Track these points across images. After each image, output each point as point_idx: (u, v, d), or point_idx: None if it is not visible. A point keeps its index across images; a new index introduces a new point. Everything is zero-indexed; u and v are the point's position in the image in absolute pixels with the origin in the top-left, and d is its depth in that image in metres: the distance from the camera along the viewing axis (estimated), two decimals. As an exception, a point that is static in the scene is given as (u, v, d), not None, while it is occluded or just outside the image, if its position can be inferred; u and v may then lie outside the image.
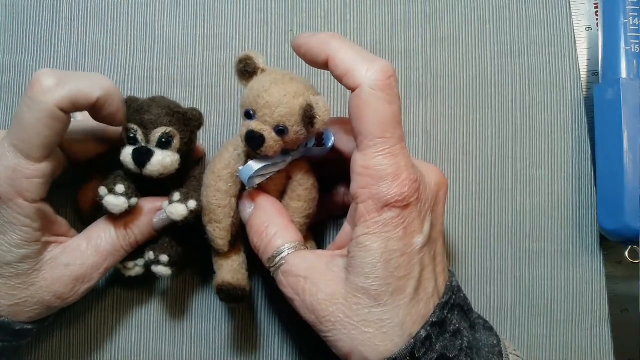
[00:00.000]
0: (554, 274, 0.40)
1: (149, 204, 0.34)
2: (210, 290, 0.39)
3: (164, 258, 0.34)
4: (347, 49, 0.29)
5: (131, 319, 0.39)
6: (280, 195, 0.34)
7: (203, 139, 0.40)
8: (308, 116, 0.30)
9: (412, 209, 0.28)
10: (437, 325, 0.29)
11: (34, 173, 0.30)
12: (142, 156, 0.32)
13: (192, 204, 0.32)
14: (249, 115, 0.31)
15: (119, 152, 0.33)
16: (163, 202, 0.33)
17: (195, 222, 0.33)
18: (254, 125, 0.30)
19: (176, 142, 0.32)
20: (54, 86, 0.29)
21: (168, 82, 0.40)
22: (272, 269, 0.31)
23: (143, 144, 0.32)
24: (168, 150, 0.32)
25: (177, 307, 0.39)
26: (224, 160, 0.33)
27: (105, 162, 0.36)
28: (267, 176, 0.32)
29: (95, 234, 0.33)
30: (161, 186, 0.34)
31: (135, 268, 0.36)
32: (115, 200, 0.32)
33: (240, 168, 0.32)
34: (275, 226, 0.32)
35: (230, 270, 0.34)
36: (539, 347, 0.39)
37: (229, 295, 0.33)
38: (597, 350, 0.39)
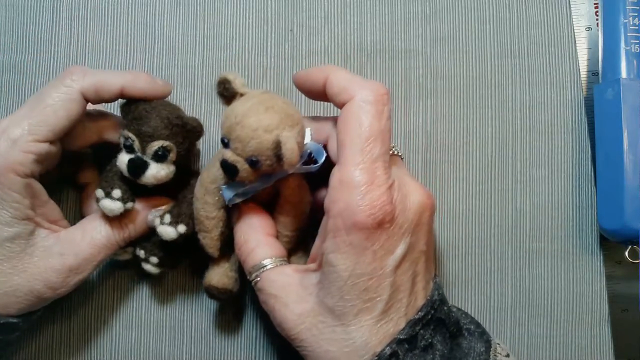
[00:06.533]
0: (554, 274, 0.40)
1: (144, 203, 0.35)
2: (210, 290, 0.39)
3: (154, 259, 0.35)
4: (345, 72, 0.31)
5: (131, 319, 0.39)
6: (272, 202, 0.34)
7: (203, 139, 0.40)
8: (276, 155, 0.29)
9: (382, 232, 0.28)
10: (406, 342, 0.28)
11: (31, 148, 0.31)
12: (137, 168, 0.32)
13: (182, 228, 0.33)
14: (224, 142, 0.30)
15: (111, 148, 0.33)
16: (155, 220, 0.34)
17: (185, 241, 0.33)
18: (228, 155, 0.30)
19: (172, 156, 0.32)
20: (82, 75, 0.32)
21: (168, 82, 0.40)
22: (252, 283, 0.32)
23: (139, 154, 0.32)
24: (163, 163, 0.32)
25: (177, 307, 0.39)
26: (212, 175, 0.33)
27: (98, 153, 0.37)
28: (249, 195, 0.32)
29: (90, 227, 0.34)
30: (158, 186, 0.34)
31: (124, 255, 0.36)
32: (111, 204, 0.32)
33: (222, 187, 0.32)
34: (254, 240, 0.32)
35: (217, 273, 0.35)
36: (539, 347, 0.39)
37: (214, 296, 0.35)
38: (597, 350, 0.39)
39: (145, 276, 0.39)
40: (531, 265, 0.40)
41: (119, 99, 0.33)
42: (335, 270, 0.28)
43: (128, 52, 0.41)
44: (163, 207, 0.35)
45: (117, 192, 0.32)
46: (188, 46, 0.41)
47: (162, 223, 0.33)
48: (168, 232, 0.33)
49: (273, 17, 0.41)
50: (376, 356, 0.28)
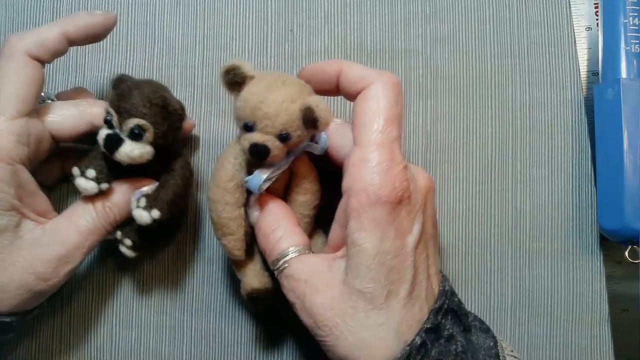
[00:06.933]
0: (554, 274, 0.40)
1: (126, 184, 0.34)
2: (210, 290, 0.39)
3: (128, 242, 0.34)
4: (358, 64, 0.32)
5: (131, 319, 0.39)
6: (285, 191, 0.34)
7: (203, 139, 0.40)
8: (310, 119, 0.30)
9: (402, 208, 0.29)
10: (432, 332, 0.28)
11: (8, 129, 0.30)
12: (111, 143, 0.32)
13: (156, 213, 0.32)
14: (247, 127, 0.30)
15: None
16: (132, 202, 0.33)
17: (158, 225, 0.33)
18: (257, 137, 0.30)
19: (148, 136, 0.32)
20: (19, 38, 0.32)
21: (168, 82, 0.40)
22: (276, 272, 0.32)
23: (117, 130, 0.32)
24: (139, 142, 0.32)
25: (177, 307, 0.39)
26: (227, 172, 0.32)
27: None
28: (274, 179, 0.32)
29: (75, 214, 0.33)
30: (143, 167, 0.33)
31: (109, 236, 0.36)
32: (85, 183, 0.32)
33: (247, 179, 0.32)
34: (281, 229, 0.32)
35: (254, 276, 0.34)
36: (539, 347, 0.39)
37: (260, 300, 0.34)
38: (597, 350, 0.39)
39: (146, 275, 0.39)
40: (531, 265, 0.40)
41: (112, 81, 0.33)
42: (362, 249, 0.28)
43: (128, 52, 0.41)
44: (144, 189, 0.34)
45: (91, 172, 0.32)
46: (188, 46, 0.41)
47: (137, 207, 0.33)
48: (142, 216, 0.32)
49: (273, 17, 0.41)
50: (407, 345, 0.28)
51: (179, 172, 0.34)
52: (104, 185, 0.33)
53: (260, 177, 0.31)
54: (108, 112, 0.32)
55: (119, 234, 0.35)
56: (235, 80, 0.31)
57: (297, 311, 0.30)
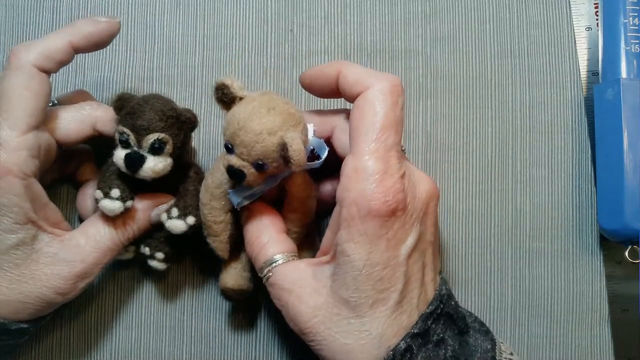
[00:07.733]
0: (554, 274, 0.40)
1: (145, 200, 0.34)
2: (210, 290, 0.39)
3: (160, 255, 0.35)
4: (358, 65, 0.31)
5: (131, 319, 0.39)
6: (278, 199, 0.34)
7: (203, 139, 0.40)
8: (283, 157, 0.29)
9: (395, 220, 0.28)
10: (419, 336, 0.28)
11: (20, 144, 0.30)
12: (134, 162, 0.32)
13: (191, 219, 0.33)
14: (228, 148, 0.30)
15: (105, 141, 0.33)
16: (162, 215, 0.33)
17: (195, 232, 0.33)
18: (233, 160, 0.30)
19: (169, 148, 0.32)
20: (26, 50, 0.31)
21: (168, 82, 0.40)
22: (263, 279, 0.32)
23: (135, 148, 0.32)
24: (160, 156, 0.32)
25: (177, 307, 0.39)
26: (217, 179, 0.33)
27: (96, 147, 0.37)
28: (257, 196, 0.32)
29: (93, 230, 0.33)
30: (156, 181, 0.34)
31: (127, 254, 0.36)
32: (111, 204, 0.32)
33: (229, 191, 0.32)
34: (266, 236, 0.32)
35: (232, 275, 0.35)
36: (539, 347, 0.39)
37: (231, 298, 0.35)
38: (597, 350, 0.39)
39: (145, 275, 0.39)
40: (531, 265, 0.40)
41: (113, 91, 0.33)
42: (350, 260, 0.28)
43: (128, 52, 0.41)
44: (162, 207, 0.34)
45: (115, 192, 0.32)
46: (188, 46, 0.41)
47: (170, 217, 0.33)
48: (177, 225, 0.33)
49: (273, 17, 0.41)
50: (391, 350, 0.28)
51: (195, 177, 0.35)
52: (129, 203, 0.33)
53: (240, 193, 0.31)
54: (122, 132, 0.32)
55: (146, 250, 0.35)
56: (223, 99, 0.31)
57: (284, 316, 0.31)
